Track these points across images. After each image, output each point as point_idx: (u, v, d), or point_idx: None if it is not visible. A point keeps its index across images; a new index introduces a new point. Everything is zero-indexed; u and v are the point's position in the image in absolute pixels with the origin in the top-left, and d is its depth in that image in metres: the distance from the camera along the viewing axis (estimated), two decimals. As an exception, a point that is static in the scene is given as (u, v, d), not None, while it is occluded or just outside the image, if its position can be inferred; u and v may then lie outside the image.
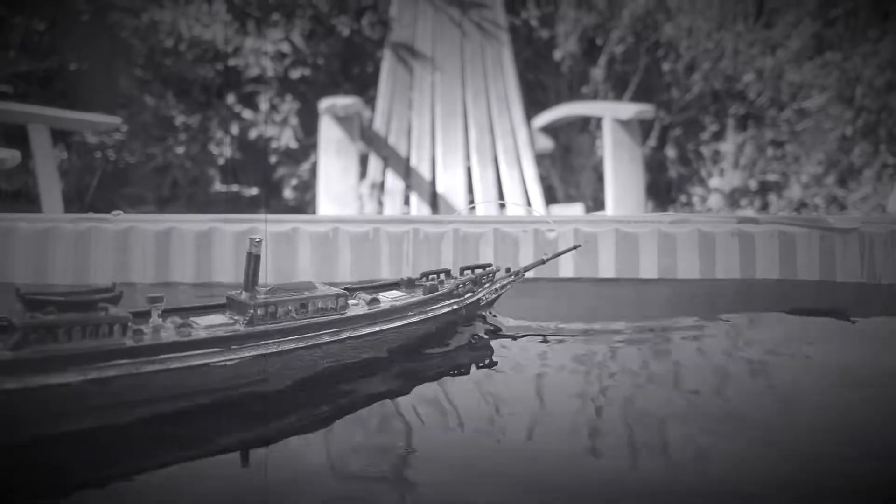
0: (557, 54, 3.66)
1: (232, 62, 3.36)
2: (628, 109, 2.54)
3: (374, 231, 1.22)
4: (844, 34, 3.79)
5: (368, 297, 0.99)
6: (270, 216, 1.30)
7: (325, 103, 2.46)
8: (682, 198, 3.85)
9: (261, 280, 1.04)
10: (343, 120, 2.43)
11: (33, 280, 1.25)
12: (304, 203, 3.48)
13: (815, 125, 3.76)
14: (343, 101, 2.47)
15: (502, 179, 3.04)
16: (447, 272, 1.09)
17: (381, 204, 3.06)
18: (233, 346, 0.84)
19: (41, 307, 0.76)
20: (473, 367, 1.01)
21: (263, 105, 3.43)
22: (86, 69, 3.50)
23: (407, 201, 3.01)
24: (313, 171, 3.28)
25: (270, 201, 3.66)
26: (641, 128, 3.76)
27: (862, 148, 3.78)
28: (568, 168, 3.65)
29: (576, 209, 3.02)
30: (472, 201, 3.05)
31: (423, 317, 1.01)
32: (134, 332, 0.82)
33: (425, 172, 3.03)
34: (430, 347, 1.04)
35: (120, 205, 3.46)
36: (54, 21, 3.48)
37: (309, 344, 0.89)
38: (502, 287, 1.10)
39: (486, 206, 3.01)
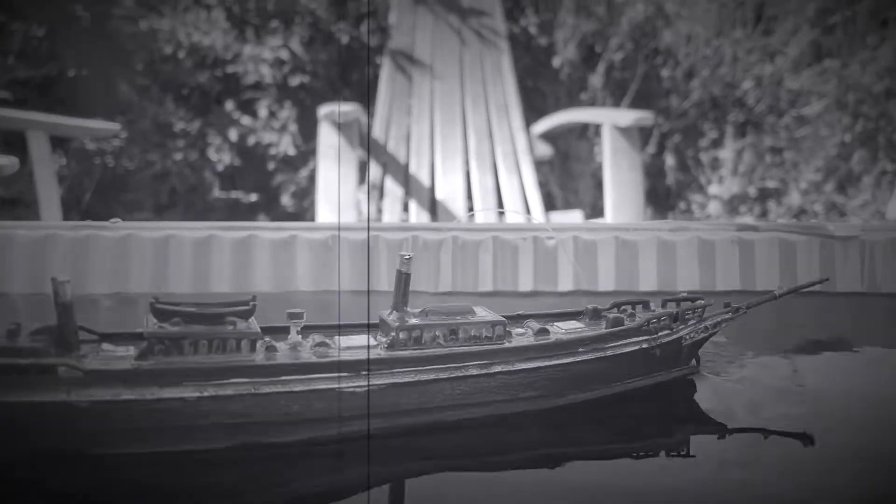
0: (556, 61, 3.66)
1: (231, 69, 3.36)
2: (627, 116, 2.54)
3: (374, 239, 1.20)
4: (843, 41, 3.80)
5: (537, 327, 0.87)
6: (270, 224, 1.29)
7: (324, 110, 2.45)
8: (682, 205, 3.85)
9: (255, 287, 1.01)
10: (342, 126, 2.43)
11: (31, 289, 1.24)
12: (303, 210, 3.48)
13: (813, 132, 3.76)
14: (343, 108, 2.47)
15: (501, 186, 3.04)
16: (645, 304, 0.94)
17: (379, 210, 3.05)
18: (363, 372, 0.76)
19: (169, 317, 0.74)
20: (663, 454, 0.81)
21: (262, 112, 3.43)
22: (84, 75, 3.50)
23: (406, 208, 3.01)
24: (311, 178, 3.27)
25: (268, 208, 3.66)
26: (640, 134, 3.77)
27: (861, 155, 3.78)
28: (567, 175, 3.65)
29: (574, 216, 3.01)
30: (471, 208, 3.05)
31: (598, 355, 0.86)
32: (267, 349, 0.77)
33: (424, 179, 3.02)
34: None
35: (118, 211, 3.46)
36: (53, 27, 3.47)
37: (452, 376, 0.79)
38: (715, 325, 0.93)
39: (485, 214, 3.01)
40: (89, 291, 1.24)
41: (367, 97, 3.23)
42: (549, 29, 3.67)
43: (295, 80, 3.34)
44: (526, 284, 1.14)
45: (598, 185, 3.10)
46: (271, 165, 3.52)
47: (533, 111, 3.35)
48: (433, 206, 3.04)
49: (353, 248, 1.23)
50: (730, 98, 3.80)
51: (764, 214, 3.82)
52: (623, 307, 0.92)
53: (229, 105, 3.45)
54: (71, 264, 1.34)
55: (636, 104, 3.67)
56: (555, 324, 0.89)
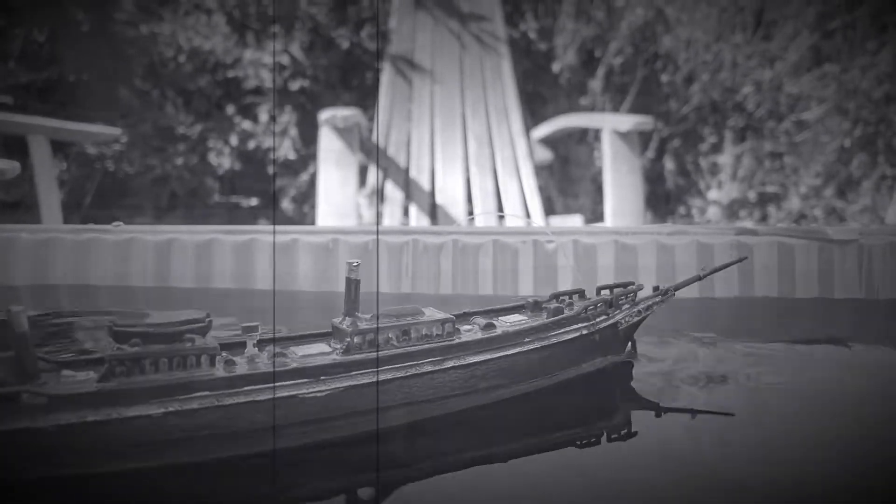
0: (556, 66, 3.67)
1: (231, 73, 3.37)
2: (627, 121, 2.54)
3: (373, 243, 1.20)
4: (843, 46, 3.80)
5: (484, 323, 0.91)
6: (271, 227, 1.29)
7: (324, 114, 2.46)
8: (681, 209, 3.86)
9: (259, 285, 1.02)
10: (343, 131, 2.43)
11: (31, 295, 1.24)
12: (302, 214, 3.48)
13: (813, 137, 3.77)
14: (343, 113, 2.48)
15: (501, 190, 3.04)
16: (581, 293, 0.98)
17: (379, 215, 3.06)
18: (322, 378, 0.78)
19: (128, 339, 0.75)
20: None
21: (263, 116, 3.44)
22: (85, 80, 3.51)
23: (406, 212, 3.01)
24: (312, 182, 3.28)
25: (268, 212, 3.66)
26: (640, 139, 3.77)
27: (860, 159, 3.78)
28: (567, 179, 3.66)
29: (574, 220, 3.02)
30: (471, 212, 3.05)
31: (542, 343, 0.90)
32: (226, 363, 0.79)
33: (424, 183, 3.03)
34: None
35: (119, 215, 3.46)
36: (54, 31, 3.48)
37: (408, 374, 0.82)
38: (647, 308, 0.98)
39: (485, 218, 3.01)
40: (91, 293, 1.24)
41: (369, 101, 3.23)
42: (549, 34, 3.67)
43: (295, 85, 3.35)
44: (526, 288, 1.15)
45: (599, 190, 3.10)
46: (271, 169, 3.52)
47: (533, 116, 3.36)
48: (433, 211, 3.04)
49: (353, 252, 1.23)
50: (730, 103, 3.81)
51: (764, 219, 3.82)
52: (561, 298, 0.96)
53: (230, 109, 3.45)
54: (72, 267, 1.34)
55: (636, 109, 3.67)
56: (499, 318, 0.93)
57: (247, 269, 1.25)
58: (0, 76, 3.32)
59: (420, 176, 3.04)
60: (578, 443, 0.80)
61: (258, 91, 3.41)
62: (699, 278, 0.98)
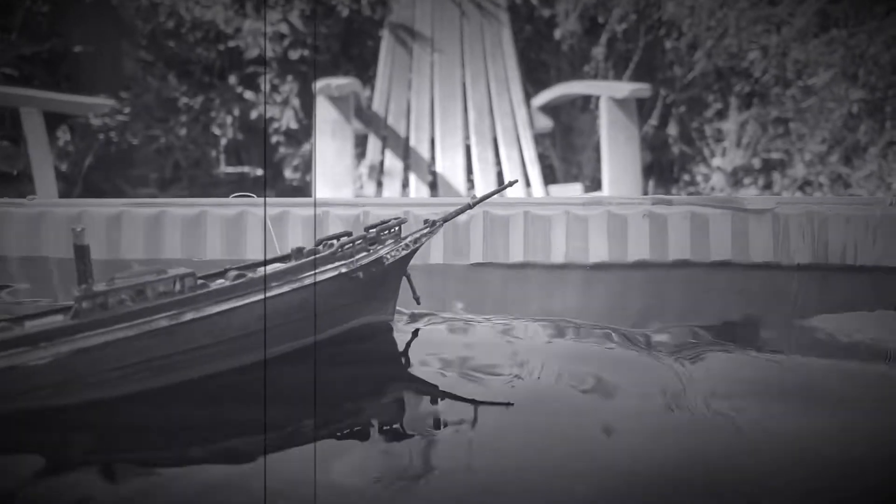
0: (557, 33, 3.64)
1: (232, 44, 3.36)
2: (624, 88, 2.53)
3: (364, 214, 1.19)
4: (849, 11, 3.75)
5: (235, 274, 0.84)
6: (260, 199, 1.29)
7: (319, 84, 2.46)
8: (686, 177, 3.84)
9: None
10: (338, 101, 2.43)
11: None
12: (306, 184, 3.49)
13: (819, 103, 3.73)
14: (337, 82, 2.48)
15: (501, 160, 3.04)
16: (349, 234, 0.92)
17: (380, 184, 3.06)
18: (42, 344, 0.73)
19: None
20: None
21: (265, 86, 3.44)
22: (89, 51, 3.51)
23: (406, 184, 3.02)
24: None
25: (274, 182, 3.68)
26: (644, 106, 3.75)
27: (867, 125, 3.75)
28: (569, 148, 3.64)
29: (574, 189, 3.02)
30: (471, 180, 3.05)
31: (294, 286, 0.83)
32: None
33: (424, 153, 3.03)
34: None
35: (123, 186, 3.49)
36: (57, 3, 3.49)
37: (141, 331, 0.76)
38: (415, 241, 0.92)
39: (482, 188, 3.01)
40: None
41: (372, 70, 3.22)
42: (552, 0, 3.64)
43: (295, 54, 3.34)
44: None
45: (600, 159, 3.09)
46: (274, 139, 3.53)
47: (536, 83, 3.34)
48: (433, 181, 3.05)
49: (345, 224, 1.22)
50: (736, 69, 3.77)
51: (768, 186, 3.80)
52: (327, 242, 0.89)
53: (232, 79, 3.46)
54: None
55: (639, 76, 3.65)
56: (258, 270, 0.86)
57: (239, 241, 1.25)
58: (3, 48, 3.34)
59: (420, 146, 3.04)
60: (339, 434, 0.74)
61: (259, 61, 3.41)
62: (469, 206, 0.95)
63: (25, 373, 0.73)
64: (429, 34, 3.16)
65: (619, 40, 3.64)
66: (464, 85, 3.11)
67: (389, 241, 0.91)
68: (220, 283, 0.83)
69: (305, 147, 3.48)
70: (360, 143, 3.33)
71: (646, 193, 3.68)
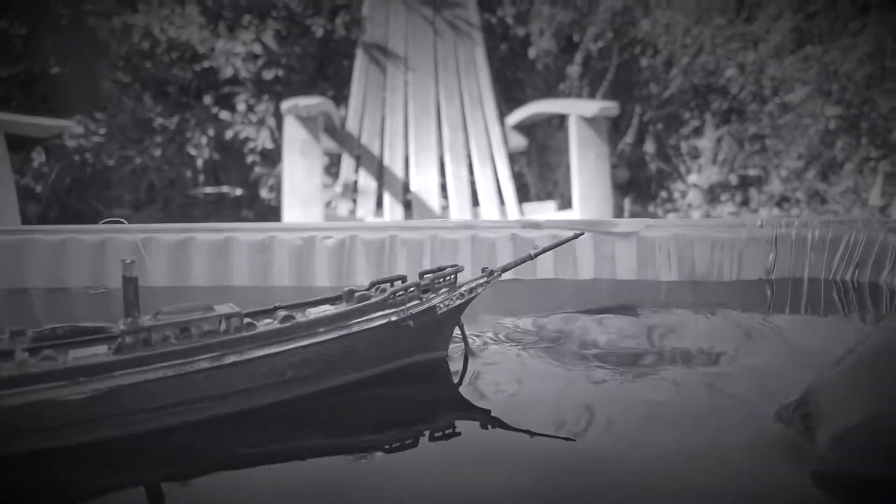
0: (532, 52, 3.65)
1: (207, 64, 3.37)
2: (593, 107, 2.53)
3: (351, 239, 1.14)
4: (824, 27, 3.77)
5: (283, 315, 0.82)
6: (244, 224, 1.25)
7: (287, 104, 2.46)
8: (663, 194, 3.84)
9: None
10: (306, 120, 2.43)
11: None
12: (282, 203, 3.49)
13: (796, 119, 3.75)
14: (305, 102, 2.47)
15: (476, 178, 3.04)
16: (403, 279, 0.88)
17: (354, 202, 3.06)
18: (81, 379, 0.72)
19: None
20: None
21: (240, 106, 3.44)
22: (65, 73, 3.52)
23: (380, 203, 3.01)
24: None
25: (253, 202, 3.67)
26: (622, 123, 3.76)
27: (844, 141, 3.76)
28: (545, 166, 3.65)
29: (548, 207, 3.01)
30: (445, 198, 3.05)
31: (341, 333, 0.81)
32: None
33: (398, 172, 3.03)
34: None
35: (98, 207, 3.48)
36: (34, 25, 3.49)
37: (181, 372, 0.75)
38: (470, 291, 0.89)
39: (459, 209, 3.01)
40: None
41: (347, 89, 3.22)
42: (527, 18, 3.66)
43: (269, 74, 3.35)
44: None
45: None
46: (250, 159, 3.53)
47: (512, 102, 3.35)
48: (407, 199, 3.04)
49: (330, 251, 1.17)
50: (713, 86, 3.79)
51: (746, 202, 3.81)
52: (378, 286, 0.87)
53: (207, 99, 3.46)
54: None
55: (615, 93, 3.66)
56: (308, 311, 0.85)
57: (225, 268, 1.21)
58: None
59: (394, 164, 3.03)
60: (387, 446, 0.72)
61: (235, 81, 3.41)
62: (531, 257, 0.92)
63: (61, 407, 0.72)
64: (402, 53, 3.16)
65: (595, 58, 3.65)
66: (438, 103, 3.11)
67: (443, 290, 0.88)
68: (266, 322, 0.82)
69: (281, 167, 3.48)
70: (336, 163, 3.33)
71: (622, 211, 3.68)
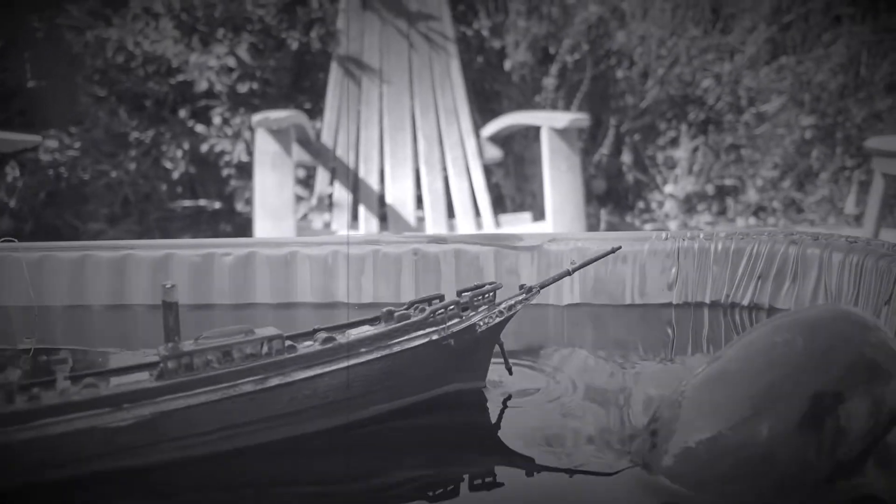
0: (507, 64, 3.66)
1: (182, 77, 3.36)
2: (564, 118, 2.54)
3: (333, 255, 1.12)
4: (797, 38, 3.80)
5: (324, 336, 0.81)
6: (229, 240, 1.23)
7: (257, 117, 2.45)
8: (641, 204, 3.85)
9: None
10: (277, 133, 2.43)
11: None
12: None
13: (771, 129, 3.77)
14: (276, 115, 2.47)
15: (451, 190, 3.04)
16: (441, 299, 0.87)
17: (329, 214, 3.06)
18: (125, 405, 0.73)
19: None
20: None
21: (216, 119, 3.43)
22: (42, 87, 3.51)
23: (355, 216, 3.01)
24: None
25: (231, 216, 3.66)
26: (598, 134, 3.77)
27: (819, 151, 3.78)
28: (522, 177, 3.65)
29: (524, 218, 3.02)
30: (421, 209, 3.05)
31: (383, 353, 0.81)
32: (30, 398, 0.76)
33: (374, 184, 3.03)
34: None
35: (73, 222, 3.46)
36: (10, 39, 3.48)
37: (225, 396, 0.75)
38: (509, 308, 0.88)
39: (435, 222, 3.01)
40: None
41: (322, 103, 3.22)
42: (501, 31, 3.67)
43: (244, 88, 3.34)
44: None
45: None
46: (225, 172, 3.52)
47: (488, 114, 3.35)
48: (383, 212, 3.04)
49: (313, 263, 1.15)
50: (690, 96, 3.81)
51: (722, 212, 3.82)
52: (417, 305, 0.86)
53: (183, 113, 3.45)
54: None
55: (592, 105, 3.67)
56: (347, 332, 0.84)
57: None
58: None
59: (369, 177, 3.03)
60: (430, 493, 0.68)
61: (211, 94, 3.41)
62: (568, 273, 0.91)
63: (106, 434, 0.72)
64: (377, 66, 3.17)
65: (571, 70, 3.66)
66: (413, 116, 3.12)
67: (483, 308, 0.87)
68: (307, 345, 0.81)
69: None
70: (311, 175, 3.32)
71: (598, 221, 3.69)
